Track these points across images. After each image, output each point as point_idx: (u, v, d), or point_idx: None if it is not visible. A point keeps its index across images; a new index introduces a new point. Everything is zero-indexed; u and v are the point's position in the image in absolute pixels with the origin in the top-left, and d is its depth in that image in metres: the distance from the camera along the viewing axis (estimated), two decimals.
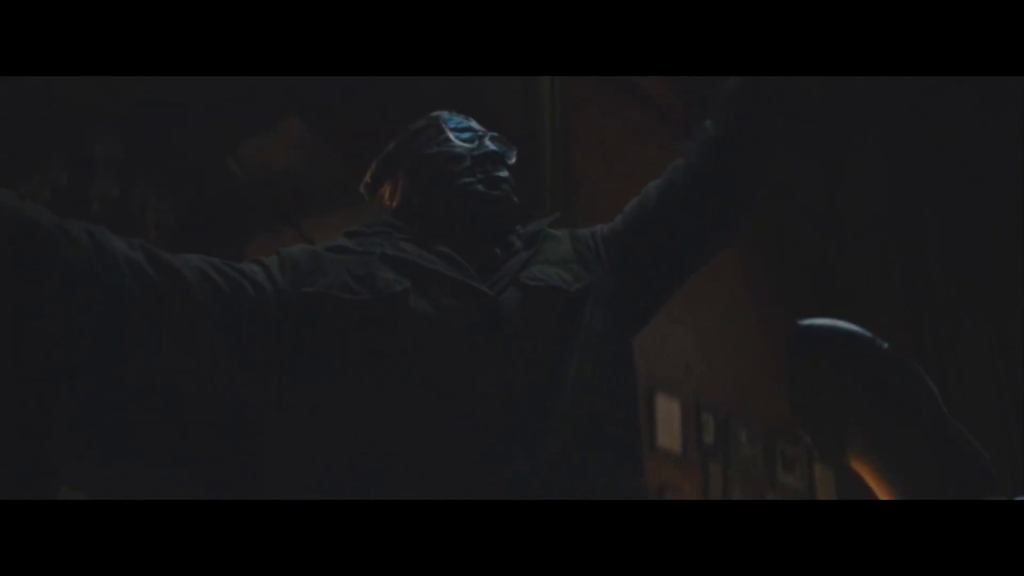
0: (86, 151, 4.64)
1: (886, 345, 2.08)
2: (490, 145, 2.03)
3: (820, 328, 2.15)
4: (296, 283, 1.84)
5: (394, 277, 1.83)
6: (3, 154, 4.42)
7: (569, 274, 1.95)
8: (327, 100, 4.29)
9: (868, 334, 2.11)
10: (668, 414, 4.82)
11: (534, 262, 1.95)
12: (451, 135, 2.04)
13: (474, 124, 2.09)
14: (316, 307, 1.81)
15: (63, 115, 4.47)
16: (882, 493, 2.04)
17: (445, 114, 2.10)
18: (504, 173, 2.01)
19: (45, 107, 4.28)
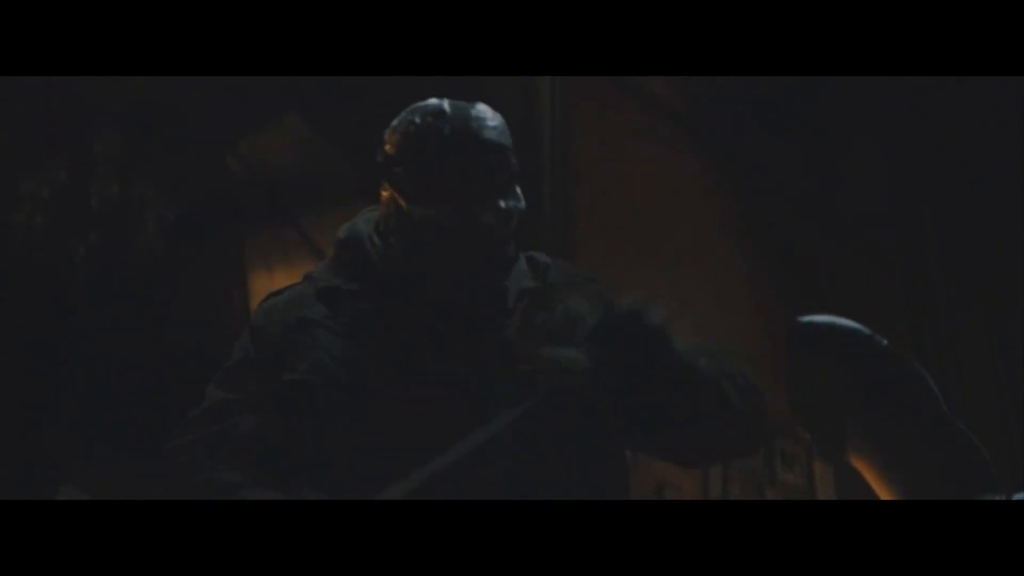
0: (86, 149, 4.65)
1: (885, 342, 2.09)
2: (480, 209, 1.82)
3: (820, 325, 2.15)
4: (275, 364, 1.83)
5: (378, 360, 1.79)
6: (3, 152, 4.43)
7: (584, 354, 1.82)
8: (327, 98, 4.30)
9: (867, 331, 2.11)
10: None
11: (540, 342, 1.83)
12: (431, 190, 1.82)
13: (473, 139, 1.83)
14: (299, 392, 1.79)
15: (63, 113, 4.47)
16: (882, 490, 2.04)
17: (441, 124, 1.84)
18: (487, 215, 1.83)
19: (45, 105, 4.29)
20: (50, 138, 4.55)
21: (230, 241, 5.14)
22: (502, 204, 1.83)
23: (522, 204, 1.87)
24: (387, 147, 1.89)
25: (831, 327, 2.13)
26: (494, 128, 1.85)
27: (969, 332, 5.45)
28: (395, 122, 1.90)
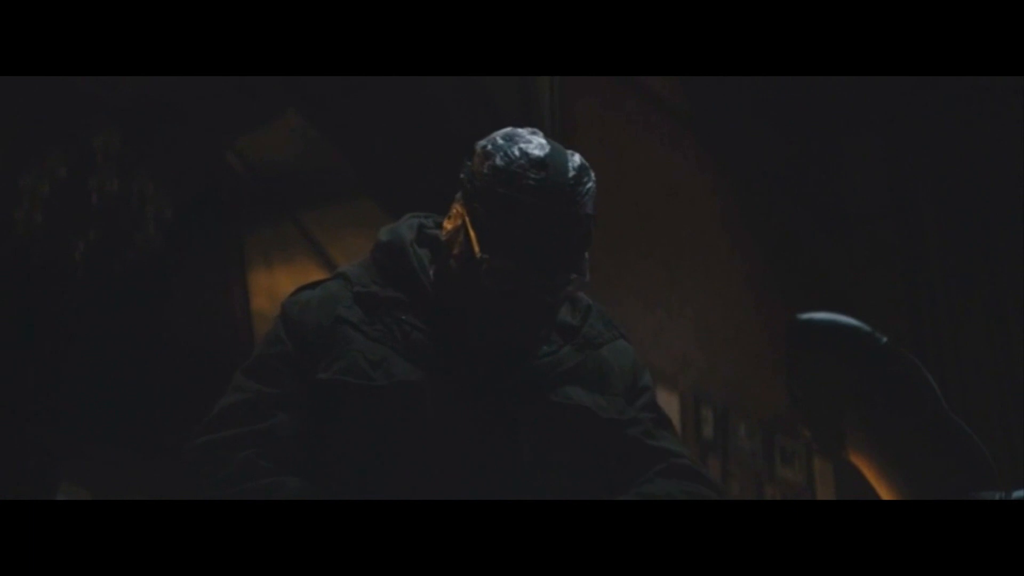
0: (85, 145, 4.65)
1: (885, 339, 2.09)
2: (552, 279, 1.77)
3: (819, 322, 2.15)
4: (311, 361, 1.82)
5: (411, 367, 1.78)
6: (3, 148, 4.43)
7: (611, 405, 1.86)
8: (326, 94, 4.29)
9: (867, 328, 2.11)
10: (667, 408, 4.77)
11: (572, 379, 1.85)
12: (510, 247, 1.74)
13: (568, 207, 1.75)
14: (331, 392, 1.78)
15: (63, 109, 4.47)
16: (881, 487, 2.04)
17: (540, 181, 1.75)
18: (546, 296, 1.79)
19: (45, 102, 4.29)
20: (50, 134, 4.55)
21: (229, 237, 5.14)
22: (573, 276, 1.79)
23: (587, 277, 1.80)
24: (476, 170, 1.79)
25: (831, 324, 2.13)
26: (587, 193, 1.78)
27: (969, 331, 5.46)
28: (489, 145, 1.79)
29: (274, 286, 5.08)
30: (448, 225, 1.84)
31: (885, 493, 2.04)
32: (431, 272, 1.87)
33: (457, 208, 1.82)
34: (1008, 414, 5.05)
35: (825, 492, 5.41)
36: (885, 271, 5.77)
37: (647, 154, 5.09)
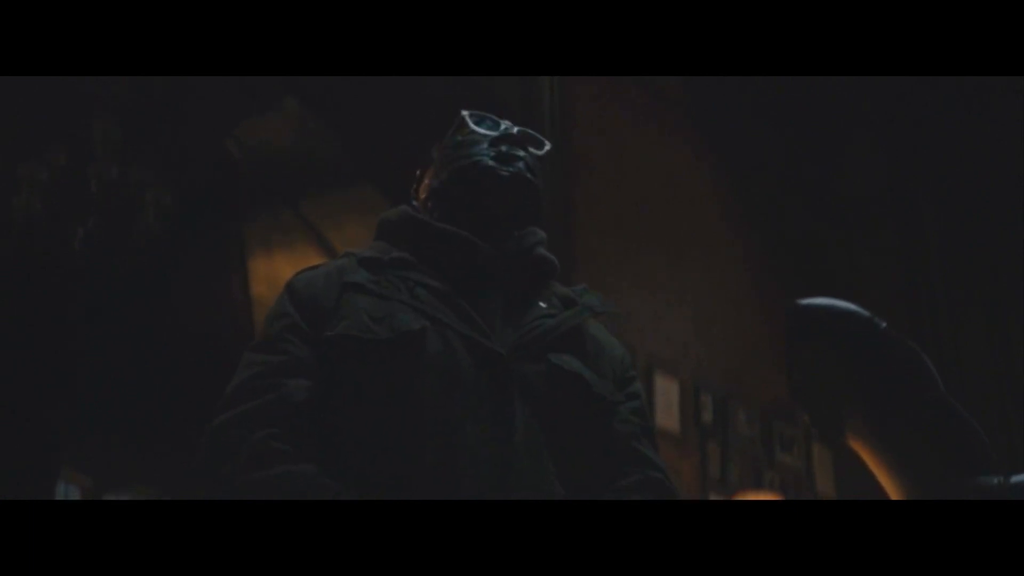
0: (85, 132, 4.64)
1: (884, 324, 2.09)
2: (511, 129, 2.03)
3: (818, 307, 2.16)
4: (315, 326, 1.86)
5: (414, 316, 1.83)
6: (2, 135, 4.42)
7: (601, 384, 1.91)
8: (325, 82, 4.29)
9: (866, 313, 2.11)
10: (666, 394, 4.83)
11: (570, 347, 1.91)
12: (472, 125, 2.03)
13: (499, 119, 2.07)
14: (337, 349, 1.81)
15: (63, 97, 4.46)
16: (880, 472, 2.05)
17: (470, 112, 2.07)
18: (520, 152, 2.00)
19: (45, 89, 4.28)
20: (49, 122, 4.54)
21: (229, 224, 5.14)
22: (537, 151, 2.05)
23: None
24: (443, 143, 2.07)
25: (830, 309, 2.14)
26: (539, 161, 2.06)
27: (969, 331, 5.47)
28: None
29: (274, 273, 5.08)
30: (423, 191, 2.08)
31: (884, 478, 2.04)
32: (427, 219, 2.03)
33: (420, 191, 2.09)
34: (1008, 413, 5.06)
35: (824, 478, 5.43)
36: (885, 271, 5.77)
37: (647, 147, 5.09)
